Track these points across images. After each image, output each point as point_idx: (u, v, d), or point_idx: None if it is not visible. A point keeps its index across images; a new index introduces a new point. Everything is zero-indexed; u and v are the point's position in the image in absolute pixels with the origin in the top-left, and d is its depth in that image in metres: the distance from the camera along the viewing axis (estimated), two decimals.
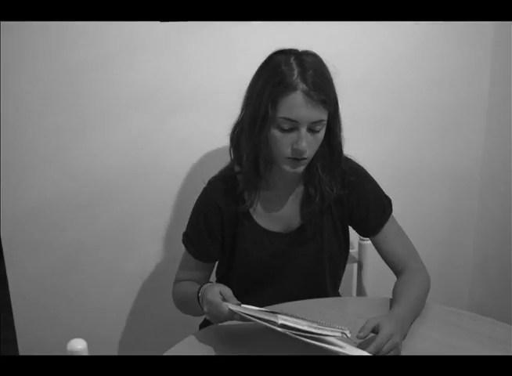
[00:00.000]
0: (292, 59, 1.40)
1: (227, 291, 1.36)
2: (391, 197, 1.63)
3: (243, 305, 1.34)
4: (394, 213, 1.62)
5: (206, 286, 1.42)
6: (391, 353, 1.26)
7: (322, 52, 1.45)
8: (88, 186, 1.93)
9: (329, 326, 1.25)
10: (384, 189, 1.63)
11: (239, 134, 1.52)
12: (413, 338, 1.38)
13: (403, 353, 1.30)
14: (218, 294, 1.34)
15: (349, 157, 1.60)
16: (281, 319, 1.19)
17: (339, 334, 1.23)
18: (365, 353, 1.22)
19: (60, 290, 2.01)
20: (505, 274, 2.29)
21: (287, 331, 1.20)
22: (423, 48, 2.10)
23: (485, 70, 2.18)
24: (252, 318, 1.26)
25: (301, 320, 1.26)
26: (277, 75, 1.39)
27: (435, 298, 1.62)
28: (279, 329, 1.20)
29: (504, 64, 2.14)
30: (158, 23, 1.80)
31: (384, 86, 2.10)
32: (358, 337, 1.26)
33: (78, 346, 1.21)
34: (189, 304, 1.53)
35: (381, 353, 1.24)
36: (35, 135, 1.84)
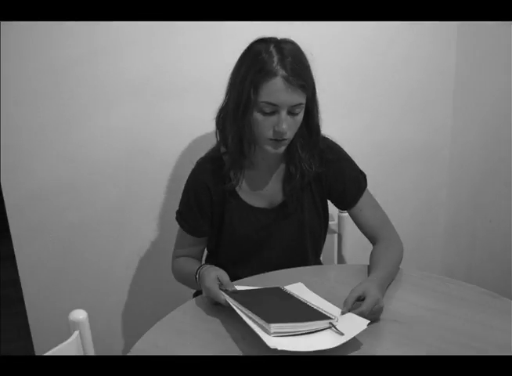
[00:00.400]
0: (272, 47, 1.39)
1: (224, 277, 1.38)
2: (366, 173, 1.62)
3: (239, 289, 1.38)
4: (370, 187, 1.63)
5: (203, 269, 1.45)
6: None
7: (297, 37, 1.45)
8: (86, 170, 1.92)
9: (318, 316, 1.26)
10: (359, 165, 1.62)
11: (224, 118, 1.51)
12: (390, 300, 1.39)
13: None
14: (216, 281, 1.37)
15: (326, 136, 1.59)
16: (273, 328, 1.18)
17: (327, 326, 1.23)
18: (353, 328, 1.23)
19: (64, 266, 2.00)
20: (473, 242, 2.30)
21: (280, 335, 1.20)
22: (394, 32, 2.09)
23: (452, 52, 2.18)
24: (247, 320, 1.24)
25: (292, 313, 1.28)
26: (258, 62, 1.39)
27: (411, 264, 1.62)
28: (271, 336, 1.19)
29: (469, 45, 2.13)
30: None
31: (356, 68, 2.10)
32: (342, 313, 1.28)
33: (80, 316, 1.22)
34: (187, 281, 1.56)
35: (369, 317, 1.25)
36: (36, 123, 1.83)
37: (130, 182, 1.97)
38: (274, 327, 1.18)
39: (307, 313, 1.28)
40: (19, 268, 1.95)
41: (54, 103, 1.82)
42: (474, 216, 2.26)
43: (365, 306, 1.26)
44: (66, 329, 1.25)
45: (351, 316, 1.26)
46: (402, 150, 2.25)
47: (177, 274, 1.63)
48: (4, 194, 1.86)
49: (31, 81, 1.78)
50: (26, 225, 1.91)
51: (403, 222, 1.95)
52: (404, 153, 2.26)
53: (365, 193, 1.61)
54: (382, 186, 1.76)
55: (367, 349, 1.21)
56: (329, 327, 1.22)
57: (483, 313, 1.33)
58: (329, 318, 1.24)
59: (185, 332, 1.33)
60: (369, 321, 1.22)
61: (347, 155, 1.62)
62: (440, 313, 1.34)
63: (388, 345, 1.25)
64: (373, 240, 1.60)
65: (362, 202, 1.60)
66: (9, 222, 1.89)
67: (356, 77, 2.10)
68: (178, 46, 1.87)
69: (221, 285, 1.36)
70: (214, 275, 1.38)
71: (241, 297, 1.33)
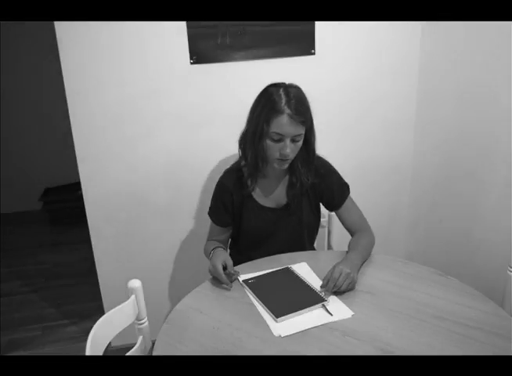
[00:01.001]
0: (281, 91, 1.39)
1: (228, 261, 1.41)
2: (349, 183, 1.61)
3: (255, 275, 1.39)
4: (352, 194, 1.61)
5: (216, 250, 1.47)
6: (347, 284, 1.28)
7: (294, 80, 1.46)
8: (144, 178, 1.93)
9: (315, 299, 1.25)
10: (344, 176, 1.61)
11: (244, 141, 1.51)
12: (366, 277, 1.38)
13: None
14: (221, 262, 1.38)
15: (320, 155, 1.58)
16: (280, 320, 1.19)
17: (320, 306, 1.23)
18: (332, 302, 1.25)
19: (126, 247, 2.01)
20: (427, 235, 2.27)
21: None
22: (363, 82, 2.06)
23: (413, 94, 2.13)
24: (260, 308, 1.25)
25: (295, 301, 1.26)
26: (270, 102, 1.39)
27: (381, 251, 1.60)
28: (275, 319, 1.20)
29: (428, 85, 2.10)
30: (188, 65, 1.80)
31: (341, 108, 2.07)
32: (320, 287, 1.30)
33: (135, 284, 1.21)
34: (208, 257, 1.54)
35: (338, 284, 1.27)
36: (109, 141, 1.85)
37: (176, 188, 1.97)
38: (280, 319, 1.18)
39: (306, 297, 1.26)
40: (93, 249, 1.96)
41: (120, 127, 1.84)
42: (429, 216, 2.23)
43: (329, 273, 1.30)
44: (127, 294, 1.25)
45: (339, 303, 1.25)
46: (373, 165, 2.22)
47: (205, 252, 1.62)
48: (84, 193, 1.88)
49: (103, 110, 1.80)
50: (100, 216, 1.93)
51: (376, 219, 1.92)
52: (375, 168, 2.22)
53: (348, 199, 1.59)
54: (360, 194, 1.74)
55: (347, 314, 1.21)
56: (321, 306, 1.23)
57: (433, 287, 1.31)
58: (323, 300, 1.24)
59: (213, 298, 1.32)
60: (352, 313, 1.21)
61: (335, 170, 1.60)
62: (402, 287, 1.32)
63: (363, 309, 1.23)
64: (352, 233, 1.59)
65: (346, 205, 1.59)
66: (87, 214, 1.91)
67: (341, 114, 2.08)
68: (208, 86, 1.87)
69: (225, 269, 1.38)
70: (221, 258, 1.41)
71: (256, 287, 1.33)
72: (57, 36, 1.67)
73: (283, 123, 1.36)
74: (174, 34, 1.77)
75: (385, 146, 2.18)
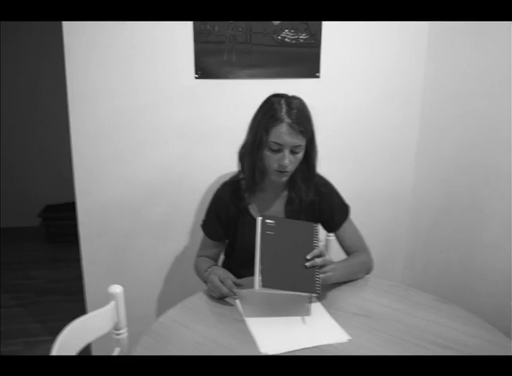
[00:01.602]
0: (282, 101, 1.35)
1: (229, 274, 1.34)
2: (350, 205, 1.53)
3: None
4: (352, 215, 1.53)
5: (212, 268, 1.38)
6: (324, 277, 1.22)
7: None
8: (140, 190, 1.85)
9: (307, 287, 1.16)
10: (345, 198, 1.54)
11: (243, 152, 1.45)
12: (364, 301, 1.29)
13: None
14: (219, 277, 1.30)
15: (321, 174, 1.51)
16: (259, 289, 1.13)
17: (307, 296, 1.17)
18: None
19: (118, 260, 1.91)
20: (427, 264, 2.17)
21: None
22: (366, 107, 2.01)
23: (414, 123, 2.08)
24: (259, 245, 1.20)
25: (289, 277, 1.16)
26: (270, 111, 1.34)
27: (380, 277, 1.50)
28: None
29: (431, 113, 2.05)
30: (192, 79, 1.76)
31: (342, 131, 2.02)
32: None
33: (117, 290, 1.13)
34: (199, 274, 1.47)
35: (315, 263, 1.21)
36: (106, 152, 1.79)
37: (170, 203, 1.89)
38: (263, 289, 1.11)
39: (302, 279, 1.16)
40: (82, 261, 1.86)
41: (118, 139, 1.78)
42: (428, 247, 2.13)
43: (318, 250, 1.24)
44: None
45: (335, 326, 1.15)
46: (376, 195, 2.14)
47: (195, 268, 1.52)
48: (77, 206, 1.80)
49: (102, 121, 1.75)
50: (92, 229, 1.84)
51: (374, 248, 1.81)
52: (376, 198, 2.14)
53: (347, 220, 1.51)
54: (358, 222, 1.66)
55: (343, 338, 1.10)
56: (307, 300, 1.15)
57: (433, 313, 1.22)
58: (315, 291, 1.15)
59: (200, 312, 1.23)
60: (349, 338, 1.11)
61: (336, 190, 1.53)
62: (401, 312, 1.23)
63: (360, 333, 1.13)
64: (349, 254, 1.50)
65: (345, 226, 1.51)
66: (80, 228, 1.83)
67: (342, 140, 2.02)
68: (210, 102, 1.83)
69: (220, 281, 1.29)
70: (220, 272, 1.32)
71: (269, 230, 1.23)
72: (64, 43, 1.64)
73: (282, 132, 1.31)
74: (180, 47, 1.74)
75: (385, 174, 2.11)
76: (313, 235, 1.25)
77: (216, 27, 1.75)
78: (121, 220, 1.85)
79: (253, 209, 1.48)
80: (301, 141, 1.33)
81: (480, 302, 1.79)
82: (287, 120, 1.30)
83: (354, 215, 1.56)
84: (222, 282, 1.27)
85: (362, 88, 1.97)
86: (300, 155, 1.36)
